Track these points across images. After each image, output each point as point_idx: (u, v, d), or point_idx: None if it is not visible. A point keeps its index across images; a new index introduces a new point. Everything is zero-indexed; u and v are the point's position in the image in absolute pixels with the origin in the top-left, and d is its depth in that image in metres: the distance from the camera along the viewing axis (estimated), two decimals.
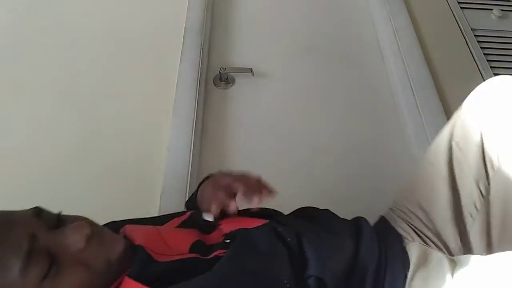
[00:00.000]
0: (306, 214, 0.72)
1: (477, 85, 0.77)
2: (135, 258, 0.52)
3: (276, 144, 1.21)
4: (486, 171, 0.67)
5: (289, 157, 1.18)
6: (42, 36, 1.31)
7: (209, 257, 0.54)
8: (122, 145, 1.09)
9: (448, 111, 1.21)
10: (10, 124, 1.11)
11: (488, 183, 0.67)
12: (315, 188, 1.12)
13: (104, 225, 0.65)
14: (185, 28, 1.34)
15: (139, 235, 0.58)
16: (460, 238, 0.67)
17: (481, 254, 0.64)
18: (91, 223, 0.53)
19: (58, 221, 0.52)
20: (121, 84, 1.23)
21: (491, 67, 1.38)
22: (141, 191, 1.01)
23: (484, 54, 1.41)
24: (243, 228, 0.58)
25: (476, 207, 0.67)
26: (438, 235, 0.68)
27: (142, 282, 0.48)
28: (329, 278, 0.54)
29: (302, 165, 1.17)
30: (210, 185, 0.68)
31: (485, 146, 0.67)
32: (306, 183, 1.14)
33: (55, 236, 0.49)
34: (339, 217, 0.72)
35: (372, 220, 0.76)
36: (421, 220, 0.70)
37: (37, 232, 0.48)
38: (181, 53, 1.28)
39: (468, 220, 0.67)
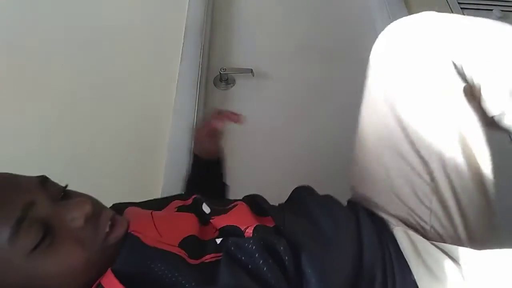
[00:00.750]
0: (305, 204, 0.68)
1: None
2: (123, 248, 0.50)
3: (276, 144, 1.22)
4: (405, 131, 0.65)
5: (289, 157, 1.18)
6: (42, 36, 1.31)
7: (197, 262, 0.52)
8: (122, 145, 1.10)
9: None
10: (10, 123, 1.12)
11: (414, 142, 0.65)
12: (315, 188, 1.12)
13: (111, 206, 0.65)
14: (185, 28, 1.34)
15: (134, 217, 0.57)
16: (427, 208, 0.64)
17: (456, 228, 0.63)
18: (95, 203, 0.52)
19: (63, 194, 0.51)
20: (121, 84, 1.23)
21: None
22: (141, 192, 1.01)
23: None
24: (234, 239, 0.54)
25: (424, 178, 0.64)
26: (410, 212, 0.66)
27: (125, 275, 0.46)
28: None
29: (302, 165, 1.17)
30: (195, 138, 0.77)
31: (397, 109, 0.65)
32: (306, 183, 1.14)
33: (56, 208, 0.48)
34: (339, 207, 0.68)
35: None
36: (395, 203, 0.68)
37: (37, 201, 0.46)
38: (181, 54, 1.28)
39: (426, 200, 0.64)
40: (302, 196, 0.73)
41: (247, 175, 1.15)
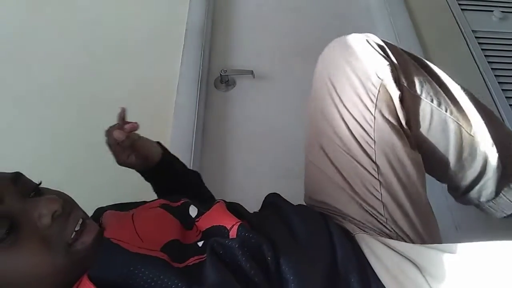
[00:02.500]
0: (278, 212, 0.67)
1: (478, 86, 0.77)
2: (99, 253, 0.49)
3: (277, 146, 1.21)
4: (364, 150, 0.66)
5: (289, 159, 1.18)
6: (43, 38, 1.31)
7: (181, 265, 0.51)
8: None
9: None
10: (10, 122, 1.12)
11: (373, 161, 0.66)
12: None
13: (95, 210, 0.63)
14: (186, 30, 1.35)
15: (112, 224, 0.55)
16: (384, 220, 0.65)
17: (404, 224, 0.65)
18: (67, 201, 0.51)
19: (35, 192, 0.49)
20: (122, 86, 1.23)
21: (492, 68, 1.38)
22: (142, 193, 1.01)
23: (485, 55, 1.41)
24: (217, 239, 0.53)
25: (377, 190, 0.65)
26: (363, 227, 0.66)
27: (103, 282, 0.45)
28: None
29: (302, 167, 1.17)
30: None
31: (351, 127, 0.67)
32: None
33: (24, 204, 0.47)
34: (312, 214, 0.68)
35: None
36: (340, 212, 0.69)
37: (5, 196, 0.45)
38: (182, 55, 1.28)
39: (378, 199, 0.66)
40: (273, 200, 0.72)
41: (247, 176, 1.15)
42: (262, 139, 1.22)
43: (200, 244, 0.54)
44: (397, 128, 0.66)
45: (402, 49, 0.71)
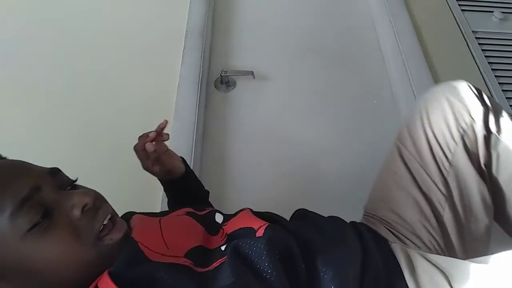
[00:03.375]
0: (309, 220, 0.72)
1: (478, 86, 0.78)
2: (123, 253, 0.51)
3: (277, 147, 1.21)
4: (439, 167, 0.73)
5: (290, 160, 1.18)
6: (43, 39, 1.31)
7: (205, 269, 0.53)
8: (123, 148, 1.09)
9: None
10: (11, 121, 1.12)
11: (445, 178, 0.73)
12: (316, 191, 1.12)
13: (122, 215, 0.66)
14: (186, 31, 1.35)
15: (141, 227, 0.58)
16: (435, 231, 0.71)
17: (456, 242, 0.71)
18: (98, 197, 0.54)
19: (71, 187, 0.53)
20: (122, 87, 1.23)
21: (492, 69, 1.38)
22: (143, 194, 1.01)
23: (485, 56, 1.42)
24: (240, 239, 0.55)
25: (440, 204, 0.72)
26: (413, 232, 0.72)
27: (122, 280, 0.46)
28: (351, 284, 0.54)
29: (302, 168, 1.17)
30: None
31: (433, 147, 0.74)
32: (307, 186, 1.13)
33: (58, 195, 0.50)
34: (341, 220, 0.72)
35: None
36: (396, 221, 0.73)
37: (43, 186, 0.49)
38: (182, 56, 1.28)
39: (439, 212, 0.72)
40: (302, 212, 0.76)
41: (248, 177, 1.15)
42: (263, 140, 1.22)
43: (223, 248, 0.56)
44: (475, 162, 0.73)
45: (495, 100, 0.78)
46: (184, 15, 1.40)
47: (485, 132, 0.72)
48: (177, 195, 0.82)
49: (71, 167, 1.04)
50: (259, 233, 0.57)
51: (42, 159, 1.06)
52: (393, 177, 0.77)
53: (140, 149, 0.71)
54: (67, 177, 0.55)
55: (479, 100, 0.73)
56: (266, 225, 0.58)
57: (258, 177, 1.16)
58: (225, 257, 0.53)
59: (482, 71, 1.36)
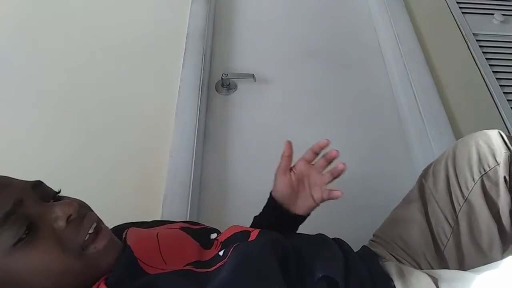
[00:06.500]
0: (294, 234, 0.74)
1: (479, 89, 0.79)
2: (119, 262, 0.51)
3: (278, 150, 1.21)
4: (451, 201, 0.75)
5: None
6: (44, 41, 1.32)
7: (210, 269, 0.54)
8: (124, 150, 1.10)
9: (450, 114, 1.21)
10: (12, 124, 1.12)
11: (455, 211, 0.75)
12: None
13: (115, 226, 0.66)
14: (187, 34, 1.35)
15: (138, 241, 0.58)
16: (433, 260, 0.74)
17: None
18: (82, 206, 0.53)
19: (54, 198, 0.53)
20: (124, 90, 1.23)
21: (493, 71, 1.38)
22: (143, 197, 1.01)
23: (486, 58, 1.41)
24: (239, 244, 0.57)
25: (446, 235, 0.75)
26: (412, 256, 0.75)
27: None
28: (339, 276, 0.55)
29: None
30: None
31: (451, 183, 0.76)
32: None
33: (42, 207, 0.50)
34: (324, 236, 0.74)
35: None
36: (399, 247, 0.76)
37: (25, 199, 0.49)
38: (183, 59, 1.28)
39: (441, 244, 0.74)
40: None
41: (248, 179, 1.15)
42: (264, 142, 1.22)
43: (221, 253, 0.58)
44: (491, 203, 0.73)
45: None
46: (185, 18, 1.40)
47: (506, 175, 0.73)
48: (274, 223, 0.79)
49: (71, 170, 1.04)
50: (253, 235, 0.60)
51: (42, 163, 1.07)
52: (407, 205, 0.80)
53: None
54: (51, 189, 0.54)
55: (507, 146, 0.75)
56: (259, 230, 0.61)
57: (259, 179, 1.16)
58: (224, 259, 0.55)
59: (483, 74, 1.36)
